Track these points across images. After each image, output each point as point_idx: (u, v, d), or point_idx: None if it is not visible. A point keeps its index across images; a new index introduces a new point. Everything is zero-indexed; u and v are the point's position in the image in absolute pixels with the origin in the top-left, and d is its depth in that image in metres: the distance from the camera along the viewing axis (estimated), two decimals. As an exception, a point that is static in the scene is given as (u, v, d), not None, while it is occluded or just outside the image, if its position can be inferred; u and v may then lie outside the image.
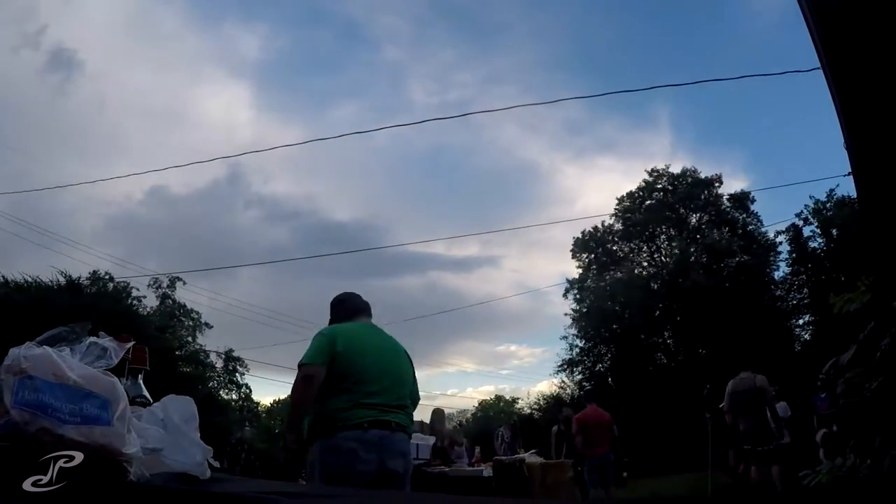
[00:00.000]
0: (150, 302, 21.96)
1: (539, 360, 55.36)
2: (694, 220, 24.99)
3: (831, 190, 21.29)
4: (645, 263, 25.25)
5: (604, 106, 40.83)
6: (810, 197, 22.12)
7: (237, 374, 26.74)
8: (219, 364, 25.02)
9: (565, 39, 39.05)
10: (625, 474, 9.90)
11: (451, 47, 41.83)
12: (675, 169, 25.18)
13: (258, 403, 31.40)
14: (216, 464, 1.12)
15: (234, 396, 26.28)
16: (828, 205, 21.70)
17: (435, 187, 47.56)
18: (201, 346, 22.54)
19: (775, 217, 37.38)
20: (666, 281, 23.14)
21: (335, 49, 44.55)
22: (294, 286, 41.91)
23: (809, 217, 22.20)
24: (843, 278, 17.08)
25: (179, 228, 39.24)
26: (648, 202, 25.00)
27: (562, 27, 38.30)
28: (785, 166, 34.73)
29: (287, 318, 44.36)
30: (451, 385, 78.59)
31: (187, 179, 45.39)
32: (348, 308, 3.02)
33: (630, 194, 25.36)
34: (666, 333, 23.50)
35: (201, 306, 26.91)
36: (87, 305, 9.34)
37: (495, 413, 34.54)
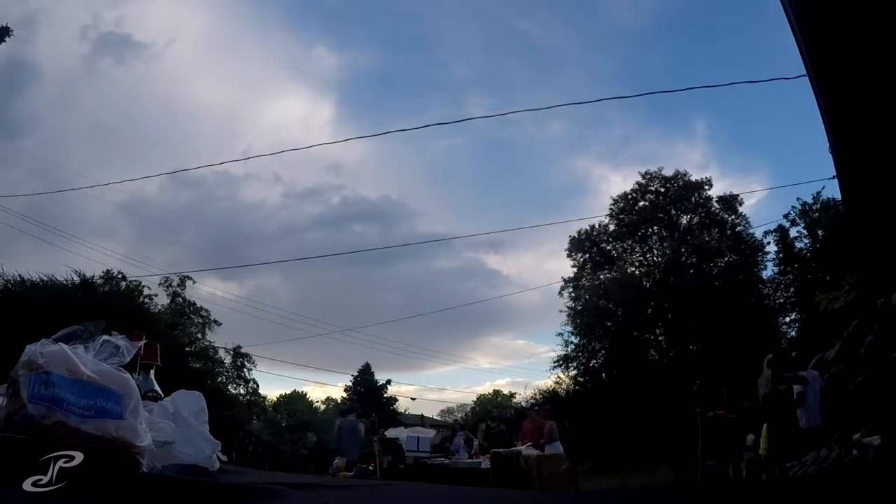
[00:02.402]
0: (162, 300, 21.96)
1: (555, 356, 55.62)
2: (685, 222, 25.01)
3: (817, 192, 21.34)
4: (637, 263, 25.27)
5: (643, 121, 42.49)
6: (798, 199, 22.19)
7: (245, 370, 26.75)
8: (227, 360, 25.03)
9: (611, 63, 40.12)
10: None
11: (513, 70, 42.57)
12: (680, 172, 25.20)
13: (265, 398, 31.38)
14: (224, 457, 1.12)
15: (241, 391, 26.25)
16: (814, 206, 21.74)
17: (481, 193, 48.21)
18: (210, 342, 22.53)
19: (770, 217, 38.13)
20: (658, 280, 23.16)
21: (404, 68, 45.40)
22: (306, 282, 42.15)
23: (796, 218, 22.24)
24: (828, 277, 17.10)
25: (195, 221, 39.50)
26: (641, 203, 25.02)
27: (610, 53, 39.59)
28: (782, 168, 35.30)
29: (294, 315, 44.40)
30: (468, 380, 78.74)
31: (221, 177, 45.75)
32: None
33: (623, 196, 25.38)
34: (658, 330, 23.51)
35: (210, 304, 26.94)
36: (101, 303, 9.32)
37: (493, 407, 34.56)
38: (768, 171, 40.91)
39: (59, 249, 20.69)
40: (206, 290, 34.61)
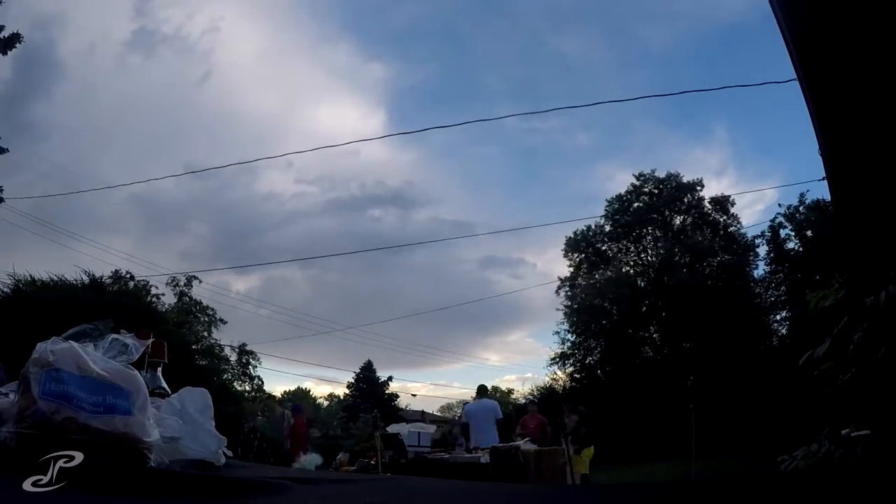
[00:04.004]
0: (169, 299, 21.94)
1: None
2: (678, 222, 25.02)
3: (802, 194, 21.39)
4: (632, 263, 25.30)
5: (666, 129, 42.87)
6: (779, 205, 22.37)
7: (250, 367, 26.74)
8: (233, 357, 25.00)
9: (640, 75, 40.43)
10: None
11: (547, 83, 42.94)
12: (672, 174, 25.18)
13: (269, 395, 31.36)
14: (229, 452, 1.12)
15: (247, 388, 26.22)
16: (800, 208, 21.79)
17: (507, 194, 48.48)
18: (216, 340, 22.48)
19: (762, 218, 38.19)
20: (652, 279, 23.19)
21: (444, 82, 45.60)
22: (317, 272, 41.91)
23: (783, 221, 22.31)
24: (818, 276, 17.11)
25: (207, 213, 39.47)
26: (636, 205, 25.02)
27: (638, 69, 40.12)
28: (795, 169, 35.46)
29: (302, 314, 44.30)
30: (478, 377, 79.08)
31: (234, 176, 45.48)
32: None
33: (618, 197, 25.40)
34: (652, 328, 23.53)
35: (218, 303, 26.90)
36: (109, 302, 9.29)
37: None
38: (783, 174, 41.28)
39: (68, 250, 20.70)
40: (218, 280, 34.54)
